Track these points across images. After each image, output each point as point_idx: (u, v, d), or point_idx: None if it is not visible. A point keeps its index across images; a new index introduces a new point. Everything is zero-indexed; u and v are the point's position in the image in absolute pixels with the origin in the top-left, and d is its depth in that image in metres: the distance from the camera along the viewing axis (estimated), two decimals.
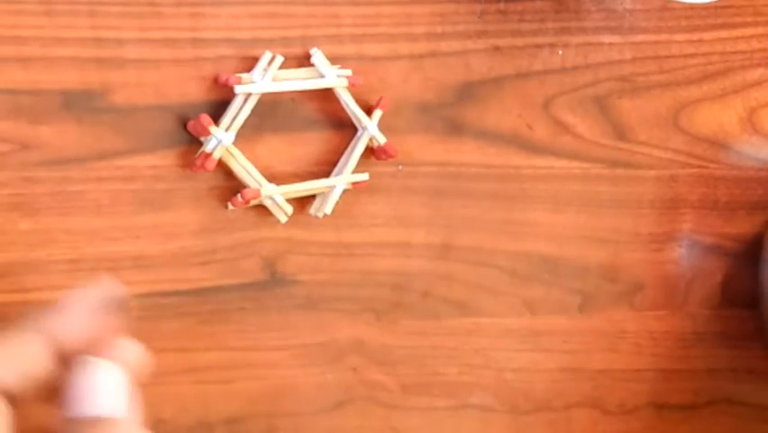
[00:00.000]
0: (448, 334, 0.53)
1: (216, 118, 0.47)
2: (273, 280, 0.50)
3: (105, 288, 0.36)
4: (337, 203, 0.50)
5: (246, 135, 0.48)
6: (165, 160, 0.47)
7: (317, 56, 0.48)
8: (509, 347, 0.55)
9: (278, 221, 0.49)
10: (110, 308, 0.36)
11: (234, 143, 0.47)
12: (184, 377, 0.49)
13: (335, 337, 0.52)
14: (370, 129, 0.49)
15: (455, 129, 0.52)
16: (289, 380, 0.51)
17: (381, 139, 0.50)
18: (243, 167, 0.48)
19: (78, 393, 0.34)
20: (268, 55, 0.48)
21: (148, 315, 0.48)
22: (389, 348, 0.53)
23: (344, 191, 0.50)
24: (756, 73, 0.56)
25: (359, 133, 0.50)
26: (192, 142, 0.48)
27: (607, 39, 0.54)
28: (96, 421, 0.34)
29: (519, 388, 0.55)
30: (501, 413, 0.55)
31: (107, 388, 0.35)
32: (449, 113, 0.52)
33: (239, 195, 0.47)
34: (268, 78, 0.47)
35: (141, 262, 0.48)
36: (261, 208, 0.49)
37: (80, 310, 0.36)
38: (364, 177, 0.50)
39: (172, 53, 0.47)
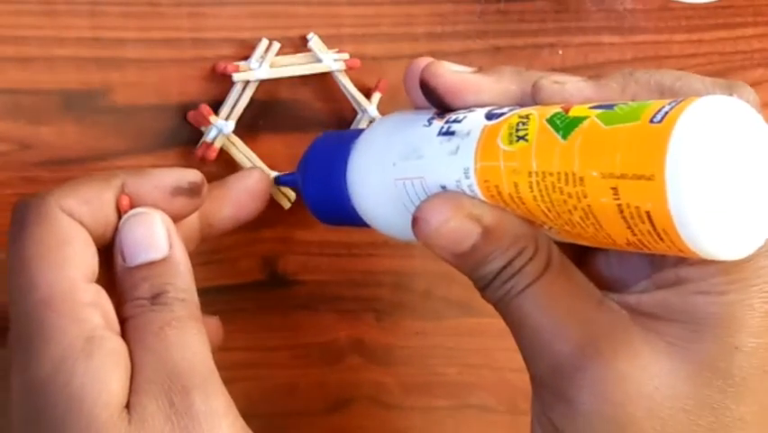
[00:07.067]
0: (448, 334, 0.53)
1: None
2: (273, 281, 0.50)
3: (187, 175, 0.39)
4: None
5: (246, 136, 0.48)
6: (165, 159, 0.47)
7: (314, 41, 0.48)
8: (509, 347, 0.54)
9: (279, 221, 0.49)
10: (182, 192, 0.39)
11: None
12: None
13: (335, 337, 0.52)
14: (370, 112, 0.49)
15: None
16: (289, 380, 0.51)
17: None
18: (245, 155, 0.48)
19: (128, 242, 0.37)
20: (264, 42, 0.48)
21: None
22: (389, 348, 0.53)
23: None
24: (756, 73, 0.56)
25: (358, 117, 0.50)
26: (192, 141, 0.47)
27: (607, 39, 0.54)
28: (148, 265, 0.37)
29: (519, 388, 0.55)
30: (501, 413, 0.55)
31: (153, 233, 0.37)
32: None
33: None
34: (265, 64, 0.47)
35: None
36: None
37: (158, 181, 0.39)
38: None
39: (172, 53, 0.47)
